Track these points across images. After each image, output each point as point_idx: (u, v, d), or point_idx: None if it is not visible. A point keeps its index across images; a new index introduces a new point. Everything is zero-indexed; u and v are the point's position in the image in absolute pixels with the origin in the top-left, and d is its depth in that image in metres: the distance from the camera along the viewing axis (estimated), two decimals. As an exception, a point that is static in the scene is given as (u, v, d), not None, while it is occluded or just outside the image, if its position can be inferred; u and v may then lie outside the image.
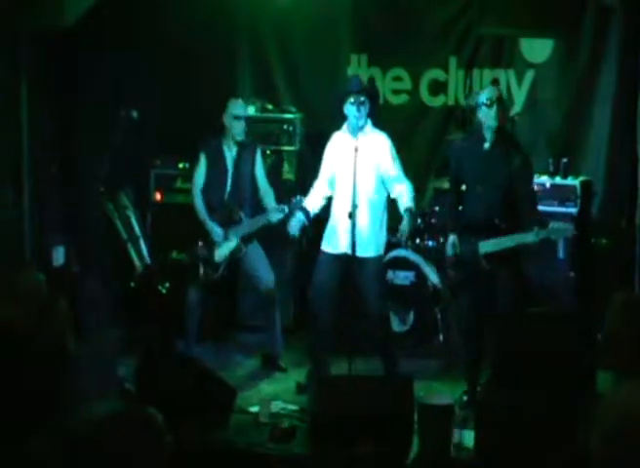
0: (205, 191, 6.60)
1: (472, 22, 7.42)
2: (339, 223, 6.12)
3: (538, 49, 7.42)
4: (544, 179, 6.96)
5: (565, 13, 7.10)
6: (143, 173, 7.59)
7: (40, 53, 7.12)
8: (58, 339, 4.92)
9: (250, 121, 6.95)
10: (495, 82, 7.27)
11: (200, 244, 6.56)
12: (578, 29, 7.22)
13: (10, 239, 6.92)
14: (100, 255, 7.27)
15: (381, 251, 6.25)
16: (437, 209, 7.15)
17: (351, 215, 5.77)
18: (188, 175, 7.00)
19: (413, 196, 6.15)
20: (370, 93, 6.25)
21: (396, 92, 7.86)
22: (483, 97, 5.75)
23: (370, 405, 5.06)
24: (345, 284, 6.12)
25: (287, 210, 6.36)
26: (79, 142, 7.53)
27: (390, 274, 6.96)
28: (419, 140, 7.80)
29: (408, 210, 6.05)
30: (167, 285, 6.82)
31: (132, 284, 6.68)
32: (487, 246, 5.67)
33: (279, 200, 6.59)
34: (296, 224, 6.26)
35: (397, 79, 7.84)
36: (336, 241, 6.15)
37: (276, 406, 5.80)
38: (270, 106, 7.70)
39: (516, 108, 7.38)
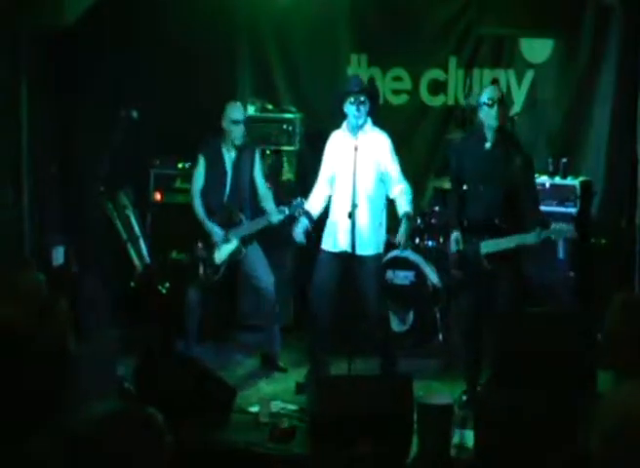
0: (204, 194, 6.59)
1: (472, 22, 7.41)
2: (338, 222, 6.12)
3: (537, 49, 7.42)
4: (544, 179, 6.95)
5: (565, 13, 7.10)
6: (143, 172, 7.58)
7: (40, 53, 7.11)
8: (58, 339, 4.92)
9: (250, 121, 6.95)
10: (495, 82, 7.27)
11: (200, 245, 6.56)
12: (577, 29, 7.22)
13: (9, 239, 6.92)
14: (100, 255, 7.27)
15: (381, 249, 6.26)
16: (437, 208, 7.15)
17: (351, 215, 5.77)
18: (188, 175, 7.00)
19: (411, 199, 6.16)
20: (370, 92, 6.25)
21: (396, 92, 7.85)
22: (484, 96, 5.75)
23: (369, 404, 5.06)
24: (345, 283, 6.13)
25: (287, 211, 6.36)
26: (79, 142, 7.53)
27: (390, 274, 6.96)
28: (418, 140, 7.80)
29: (405, 215, 6.09)
30: (167, 285, 6.81)
31: (132, 284, 6.68)
32: (488, 246, 5.67)
33: (279, 201, 6.59)
34: (301, 230, 6.26)
35: (397, 79, 7.84)
36: (335, 239, 6.16)
37: (276, 405, 5.80)
38: (270, 106, 7.70)
39: (516, 108, 7.38)
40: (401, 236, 6.10)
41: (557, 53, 7.37)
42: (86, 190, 7.25)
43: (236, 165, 6.57)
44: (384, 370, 6.18)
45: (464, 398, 5.86)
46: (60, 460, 2.45)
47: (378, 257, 6.24)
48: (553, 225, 5.50)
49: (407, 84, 7.82)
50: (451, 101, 7.72)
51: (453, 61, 7.66)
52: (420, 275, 6.99)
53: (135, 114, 6.75)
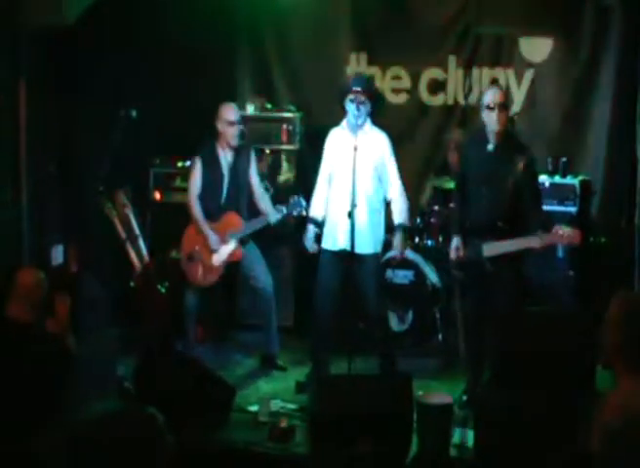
0: (201, 196, 6.59)
1: (471, 22, 7.42)
2: (337, 221, 6.12)
3: (537, 48, 7.43)
4: (544, 179, 6.95)
5: (564, 12, 7.11)
6: (143, 172, 7.59)
7: (40, 53, 7.10)
8: (58, 339, 4.92)
9: (249, 121, 6.94)
10: (494, 82, 7.29)
11: (197, 248, 6.56)
12: (577, 29, 7.23)
13: (9, 238, 6.92)
14: (100, 255, 7.27)
15: (379, 248, 6.27)
16: (436, 208, 7.15)
17: (350, 214, 5.77)
18: (187, 175, 7.00)
19: (406, 208, 6.20)
20: (371, 93, 6.21)
21: (395, 91, 7.86)
22: (486, 99, 5.72)
23: (369, 404, 5.06)
24: (346, 283, 6.13)
25: (285, 210, 6.37)
26: (78, 142, 7.52)
27: (389, 273, 6.96)
28: (418, 140, 7.81)
29: (400, 226, 6.16)
30: (166, 284, 6.81)
31: (131, 283, 6.68)
32: (491, 248, 5.65)
33: (279, 201, 6.58)
34: (311, 239, 6.27)
35: (396, 78, 7.84)
36: (335, 238, 6.16)
37: (275, 405, 5.80)
38: (270, 106, 7.70)
39: (515, 108, 7.38)
40: (395, 248, 6.24)
41: (556, 52, 7.38)
42: (85, 190, 7.24)
43: (233, 166, 6.56)
44: (384, 370, 6.19)
45: (464, 398, 5.85)
46: (61, 460, 2.45)
47: (376, 256, 6.25)
48: (555, 228, 5.46)
49: (406, 83, 7.83)
50: (450, 101, 7.73)
51: (452, 61, 7.67)
52: (420, 274, 7.00)
53: (134, 114, 6.74)
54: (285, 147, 7.54)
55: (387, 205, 6.26)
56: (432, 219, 7.16)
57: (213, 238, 6.50)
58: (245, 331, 7.36)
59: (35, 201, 7.11)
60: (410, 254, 6.95)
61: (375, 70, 7.82)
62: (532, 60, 7.46)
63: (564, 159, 7.09)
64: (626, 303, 3.21)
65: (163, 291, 6.67)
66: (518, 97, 7.50)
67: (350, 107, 6.04)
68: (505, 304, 5.66)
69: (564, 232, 5.43)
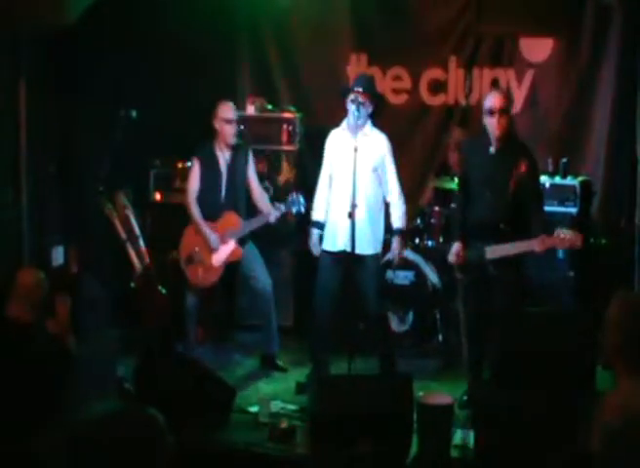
0: (200, 196, 6.59)
1: (472, 22, 7.42)
2: (337, 221, 6.12)
3: (537, 48, 7.42)
4: (544, 179, 6.93)
5: (564, 12, 7.11)
6: (143, 172, 7.59)
7: (40, 53, 7.11)
8: (58, 339, 4.93)
9: (250, 121, 6.93)
10: (494, 84, 7.28)
11: (196, 249, 6.55)
12: (577, 29, 7.23)
13: (9, 239, 6.92)
14: (100, 255, 7.27)
15: (379, 248, 6.27)
16: (437, 208, 7.15)
17: (351, 215, 5.77)
18: (187, 175, 6.99)
19: (404, 211, 6.20)
20: (372, 95, 6.18)
21: (396, 91, 7.85)
22: (486, 104, 5.71)
23: (369, 404, 5.06)
24: (345, 283, 6.13)
25: (283, 209, 6.37)
26: (78, 142, 7.52)
27: (390, 274, 6.96)
28: (418, 140, 7.81)
29: (397, 231, 6.18)
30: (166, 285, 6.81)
31: (131, 284, 6.68)
32: (493, 251, 5.63)
33: (277, 200, 6.58)
34: (316, 242, 6.27)
35: (397, 78, 7.84)
36: (335, 239, 6.16)
37: (275, 405, 5.80)
38: (270, 106, 7.70)
39: (516, 108, 7.37)
40: (392, 253, 6.28)
41: (557, 52, 7.38)
42: (85, 190, 7.24)
43: (230, 165, 6.56)
44: (384, 370, 6.19)
45: (465, 398, 5.85)
46: (61, 460, 2.44)
47: (377, 257, 6.26)
48: (557, 232, 5.44)
49: (407, 83, 7.82)
50: (451, 101, 7.73)
51: (453, 61, 7.66)
52: (420, 275, 7.00)
53: (134, 114, 6.74)
54: (285, 148, 7.53)
55: (387, 205, 6.26)
56: (433, 220, 7.16)
57: (212, 237, 6.50)
58: (245, 332, 7.36)
59: (35, 201, 7.11)
60: (410, 255, 6.95)
61: (375, 70, 7.81)
62: (532, 60, 7.46)
63: (564, 159, 7.08)
64: (626, 303, 3.21)
65: (163, 291, 6.67)
66: (518, 97, 7.49)
67: (351, 107, 6.04)
68: (506, 305, 5.65)
69: (565, 236, 5.42)
